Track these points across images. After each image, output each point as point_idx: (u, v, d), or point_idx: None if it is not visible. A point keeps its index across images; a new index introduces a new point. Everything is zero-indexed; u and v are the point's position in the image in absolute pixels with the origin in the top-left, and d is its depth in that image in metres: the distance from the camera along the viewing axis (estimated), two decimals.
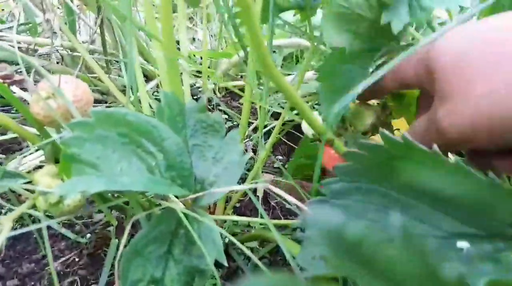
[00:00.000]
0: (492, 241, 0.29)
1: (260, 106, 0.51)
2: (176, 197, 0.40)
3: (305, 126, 0.69)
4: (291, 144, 0.76)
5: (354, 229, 0.12)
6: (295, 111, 0.78)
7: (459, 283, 0.13)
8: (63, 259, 0.51)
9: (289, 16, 0.78)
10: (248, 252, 0.35)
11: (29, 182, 0.41)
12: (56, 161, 0.44)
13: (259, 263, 0.35)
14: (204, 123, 0.42)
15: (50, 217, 0.52)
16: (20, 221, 0.55)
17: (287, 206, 0.63)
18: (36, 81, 0.45)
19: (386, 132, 0.31)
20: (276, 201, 0.63)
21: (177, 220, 0.38)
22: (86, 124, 0.36)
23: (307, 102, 0.80)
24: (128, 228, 0.38)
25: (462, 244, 0.26)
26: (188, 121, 0.42)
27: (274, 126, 0.77)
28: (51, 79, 0.41)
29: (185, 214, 0.36)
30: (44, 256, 0.51)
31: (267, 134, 0.73)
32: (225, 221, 0.55)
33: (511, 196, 0.27)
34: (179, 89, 0.46)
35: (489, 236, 0.29)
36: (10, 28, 0.84)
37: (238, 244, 0.36)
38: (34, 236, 0.53)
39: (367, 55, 0.38)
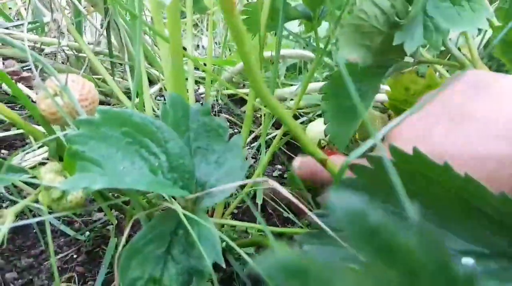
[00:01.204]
0: (498, 260, 0.28)
1: (264, 114, 0.52)
2: (174, 198, 0.40)
3: (310, 135, 0.69)
4: (291, 154, 0.77)
5: (373, 216, 0.13)
6: (300, 120, 0.79)
7: (469, 280, 0.13)
8: (62, 255, 0.51)
9: (293, 26, 0.79)
10: (245, 256, 0.35)
11: (33, 178, 0.41)
12: (60, 158, 0.45)
13: (256, 267, 0.35)
14: (208, 127, 0.42)
15: (50, 214, 0.53)
16: (20, 216, 0.55)
17: (285, 214, 0.63)
18: (42, 80, 0.46)
19: (396, 145, 0.31)
20: (273, 209, 0.63)
21: (177, 221, 0.38)
22: (91, 122, 0.37)
23: (309, 113, 0.80)
24: (128, 227, 0.39)
25: (467, 260, 0.26)
26: (192, 124, 0.42)
27: (274, 136, 0.77)
28: (59, 77, 0.42)
29: (185, 215, 0.36)
30: (43, 251, 0.52)
31: (267, 143, 0.73)
32: (223, 226, 0.56)
33: None
34: (184, 92, 0.46)
35: (495, 254, 0.29)
36: (17, 26, 0.85)
37: (235, 247, 0.36)
38: (34, 231, 0.54)
39: (378, 73, 0.38)
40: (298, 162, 0.46)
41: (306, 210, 0.35)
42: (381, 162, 0.30)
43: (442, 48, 0.35)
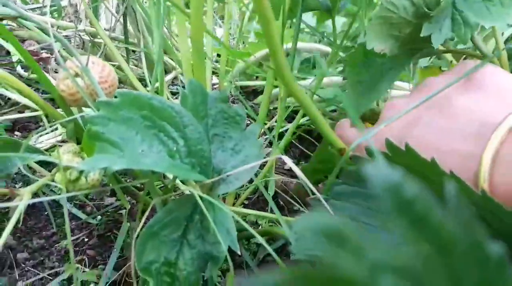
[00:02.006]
0: None
1: (280, 101, 0.51)
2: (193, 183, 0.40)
3: None
4: (302, 148, 0.77)
5: (409, 188, 0.13)
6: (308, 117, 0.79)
7: (502, 262, 0.13)
8: (73, 238, 0.51)
9: (309, 19, 0.79)
10: (262, 240, 0.35)
11: (48, 160, 0.41)
12: (77, 140, 0.45)
13: (273, 252, 0.35)
14: (226, 114, 0.42)
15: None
16: (34, 198, 0.55)
17: (295, 207, 0.63)
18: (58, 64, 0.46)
19: (391, 139, 0.31)
20: (285, 201, 0.63)
21: (193, 205, 0.38)
22: (111, 104, 0.37)
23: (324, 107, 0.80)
24: (146, 212, 0.39)
25: (497, 245, 0.27)
26: (210, 111, 0.42)
27: (286, 130, 0.77)
28: (80, 59, 0.42)
29: (202, 200, 0.36)
30: (54, 233, 0.52)
31: (280, 137, 0.73)
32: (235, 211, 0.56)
33: (501, 209, 0.27)
34: (203, 78, 0.46)
35: None
36: (33, 10, 0.85)
37: (253, 232, 0.36)
38: (46, 213, 0.54)
39: (407, 54, 0.38)
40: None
41: (318, 193, 0.35)
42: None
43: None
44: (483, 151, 0.30)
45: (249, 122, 0.77)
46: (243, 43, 0.95)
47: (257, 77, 0.92)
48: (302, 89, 0.34)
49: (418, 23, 0.34)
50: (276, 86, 0.85)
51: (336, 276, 0.12)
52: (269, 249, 0.34)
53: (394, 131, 0.35)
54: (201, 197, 0.36)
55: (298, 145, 0.76)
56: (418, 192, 0.13)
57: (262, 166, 0.67)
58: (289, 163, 0.37)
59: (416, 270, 0.13)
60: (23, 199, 0.38)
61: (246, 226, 0.35)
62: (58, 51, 0.61)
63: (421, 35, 0.33)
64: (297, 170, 0.36)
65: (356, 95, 0.42)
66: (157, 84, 0.51)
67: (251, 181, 0.65)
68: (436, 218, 0.13)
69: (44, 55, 0.47)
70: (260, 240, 0.34)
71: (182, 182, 0.44)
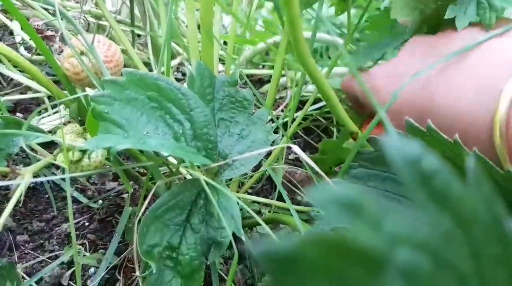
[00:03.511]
0: None
1: (292, 83, 0.50)
2: (198, 167, 0.39)
3: None
4: (308, 139, 0.76)
5: (430, 161, 0.12)
6: (315, 106, 0.78)
7: None
8: (74, 221, 0.50)
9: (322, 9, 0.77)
10: (267, 228, 0.34)
11: (48, 141, 0.40)
12: (80, 120, 0.44)
13: (277, 240, 0.34)
14: (233, 98, 0.41)
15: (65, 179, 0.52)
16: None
17: (299, 198, 0.62)
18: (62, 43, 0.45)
19: (411, 120, 0.31)
20: (289, 190, 0.62)
21: (198, 190, 0.38)
22: (117, 83, 0.36)
23: None
24: (149, 195, 0.38)
25: None
26: (217, 94, 0.41)
27: (293, 120, 0.76)
28: (85, 36, 0.41)
29: (207, 184, 0.35)
30: (54, 216, 0.51)
31: (285, 127, 0.72)
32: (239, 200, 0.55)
33: None
34: (211, 61, 0.45)
35: None
36: None
37: (257, 218, 0.35)
38: (46, 195, 0.53)
39: (427, 31, 0.37)
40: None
41: (326, 177, 0.34)
42: None
43: None
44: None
45: (255, 110, 0.76)
46: (251, 32, 0.94)
47: (263, 66, 0.91)
48: (321, 73, 0.33)
49: (444, 1, 0.33)
50: (283, 75, 0.83)
51: (352, 247, 0.12)
52: (273, 236, 0.33)
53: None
54: (206, 182, 0.35)
55: (303, 135, 0.75)
56: (439, 165, 0.13)
57: (268, 153, 0.66)
58: (299, 152, 0.36)
59: (435, 244, 0.13)
60: (24, 178, 0.37)
61: (251, 212, 0.34)
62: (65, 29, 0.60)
63: (446, 17, 0.33)
64: (308, 159, 0.35)
65: (364, 56, 0.41)
66: (163, 68, 0.50)
67: (255, 169, 0.64)
68: (457, 192, 0.13)
69: (49, 33, 0.45)
70: (265, 227, 0.33)
71: (186, 166, 0.43)
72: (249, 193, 0.63)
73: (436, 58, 0.32)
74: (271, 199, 0.63)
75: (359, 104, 0.46)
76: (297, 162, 0.69)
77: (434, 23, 0.35)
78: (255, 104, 0.81)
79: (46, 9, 0.69)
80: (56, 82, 0.45)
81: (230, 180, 0.55)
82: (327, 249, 0.12)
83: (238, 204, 0.36)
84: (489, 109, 0.30)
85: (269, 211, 0.58)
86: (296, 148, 0.35)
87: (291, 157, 0.70)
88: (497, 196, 0.13)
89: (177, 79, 0.85)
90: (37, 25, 0.44)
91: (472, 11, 0.32)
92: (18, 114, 0.65)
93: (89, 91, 0.47)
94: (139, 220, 0.35)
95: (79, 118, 0.44)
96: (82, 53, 0.42)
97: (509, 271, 0.13)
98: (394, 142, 0.13)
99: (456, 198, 0.13)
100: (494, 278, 0.13)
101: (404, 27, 0.39)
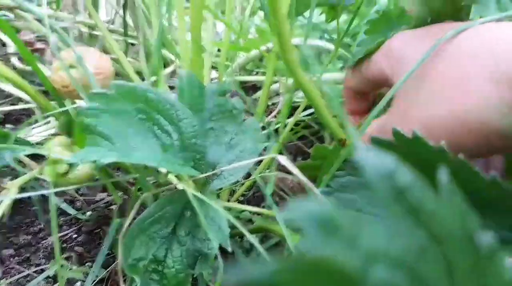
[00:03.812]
0: None
1: (284, 89, 0.50)
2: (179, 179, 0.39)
3: None
4: (300, 144, 0.76)
5: (403, 176, 0.12)
6: (307, 112, 0.78)
7: (492, 252, 0.13)
8: (61, 234, 0.50)
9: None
10: (253, 240, 0.34)
11: (38, 152, 0.40)
12: (68, 132, 0.44)
13: (264, 252, 0.34)
14: (223, 107, 0.41)
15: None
16: (22, 192, 0.54)
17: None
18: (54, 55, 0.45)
19: (398, 128, 0.31)
20: (280, 197, 0.62)
21: (184, 201, 0.37)
22: (105, 96, 0.36)
23: None
24: (135, 208, 0.38)
25: (488, 235, 0.27)
26: (207, 104, 0.41)
27: (285, 126, 0.76)
28: (75, 49, 0.41)
29: (193, 196, 0.35)
30: (41, 229, 0.51)
31: (277, 133, 0.72)
32: (229, 209, 0.54)
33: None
34: (201, 71, 0.45)
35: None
36: (31, 1, 0.84)
37: (244, 231, 0.35)
38: (34, 208, 0.53)
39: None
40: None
41: (313, 186, 0.34)
42: (384, 144, 0.31)
43: None
44: None
45: (247, 117, 0.77)
46: (244, 39, 0.94)
47: (257, 72, 0.91)
48: (309, 80, 0.33)
49: None
50: (275, 82, 0.83)
51: (327, 266, 0.12)
52: (260, 249, 0.33)
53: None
54: (193, 193, 0.35)
55: (295, 141, 0.75)
56: (412, 180, 0.13)
57: (260, 160, 0.66)
58: (286, 162, 0.36)
59: (410, 259, 0.13)
60: (10, 193, 0.37)
61: (236, 224, 0.34)
62: (55, 43, 0.60)
63: (470, 17, 0.34)
64: (294, 169, 0.35)
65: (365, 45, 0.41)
66: (155, 77, 0.50)
67: (246, 177, 0.64)
68: (430, 206, 0.13)
69: (40, 45, 0.46)
70: (251, 239, 0.33)
71: (176, 176, 0.43)
72: (240, 201, 0.63)
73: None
74: (262, 206, 0.63)
75: (361, 97, 0.45)
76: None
77: (438, 19, 0.36)
78: (247, 111, 0.81)
79: (39, 21, 0.69)
80: (47, 92, 0.45)
81: (221, 188, 0.55)
82: (302, 274, 0.12)
83: (224, 216, 0.36)
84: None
85: (261, 217, 0.58)
86: (282, 159, 0.35)
87: (282, 162, 0.70)
88: (470, 208, 0.13)
89: (171, 87, 0.85)
90: (28, 38, 0.44)
91: (494, 9, 0.33)
92: (8, 125, 0.65)
93: (78, 103, 0.47)
94: (126, 232, 0.35)
95: (68, 130, 0.43)
96: (71, 66, 0.42)
97: (480, 284, 0.13)
98: (368, 157, 0.13)
99: (429, 213, 0.13)
100: None
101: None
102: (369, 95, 0.45)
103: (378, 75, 0.38)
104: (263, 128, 0.64)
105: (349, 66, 0.44)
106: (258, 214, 0.61)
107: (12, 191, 0.37)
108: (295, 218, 0.13)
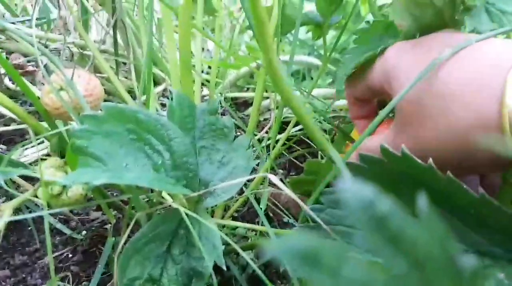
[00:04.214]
0: (480, 258, 0.29)
1: (275, 104, 0.51)
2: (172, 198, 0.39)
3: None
4: (293, 159, 0.76)
5: (382, 205, 0.13)
6: (298, 127, 0.79)
7: (475, 275, 0.13)
8: (57, 254, 0.50)
9: (300, 33, 0.79)
10: (246, 257, 0.34)
11: (32, 173, 0.41)
12: (61, 154, 0.44)
13: (257, 270, 0.34)
14: (214, 126, 0.42)
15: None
16: (16, 213, 0.54)
17: (285, 219, 0.62)
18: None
19: (386, 146, 0.31)
20: (274, 213, 0.63)
21: (178, 220, 0.38)
22: (96, 118, 0.36)
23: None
24: (129, 227, 0.38)
25: (469, 257, 0.27)
26: (197, 123, 0.42)
27: (277, 141, 0.77)
28: (65, 72, 0.41)
29: (187, 215, 0.35)
30: (37, 249, 0.51)
31: (269, 148, 0.73)
32: (224, 226, 0.55)
33: (501, 211, 0.27)
34: (191, 91, 0.46)
35: (477, 253, 0.30)
36: (23, 22, 0.85)
37: (237, 248, 0.35)
38: (29, 228, 0.53)
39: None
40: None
41: (303, 205, 0.35)
42: (374, 161, 0.32)
43: None
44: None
45: (239, 133, 0.77)
46: (234, 57, 0.95)
47: (248, 89, 0.92)
48: (297, 97, 0.34)
49: (441, 9, 0.34)
50: (266, 98, 0.85)
51: None
52: (254, 266, 0.33)
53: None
54: (186, 212, 0.35)
55: (287, 155, 0.76)
56: (391, 208, 0.13)
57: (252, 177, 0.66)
58: (276, 181, 0.37)
59: None
60: (4, 215, 0.37)
61: (230, 241, 0.34)
62: (45, 64, 0.60)
63: (467, 30, 0.34)
64: (284, 187, 0.36)
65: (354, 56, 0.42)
66: (146, 96, 0.50)
67: (240, 193, 0.65)
68: (411, 234, 0.13)
69: (30, 68, 0.46)
70: (244, 256, 0.33)
71: (170, 195, 0.43)
72: (235, 217, 0.64)
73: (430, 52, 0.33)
74: (257, 222, 0.63)
75: (363, 103, 0.46)
76: (282, 182, 0.70)
77: (427, 29, 0.36)
78: (239, 127, 0.81)
79: (30, 42, 0.69)
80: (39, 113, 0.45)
81: (215, 205, 0.55)
82: None
83: (218, 233, 0.36)
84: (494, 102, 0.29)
85: (255, 234, 0.58)
86: (273, 178, 0.35)
87: (278, 176, 0.71)
88: (449, 233, 0.13)
89: (162, 105, 0.86)
90: (19, 62, 0.44)
91: (486, 19, 0.34)
92: (2, 146, 0.65)
93: (70, 125, 0.47)
94: (122, 251, 0.35)
95: (60, 151, 0.44)
96: (62, 88, 0.42)
97: None
98: (348, 187, 0.13)
99: (410, 239, 0.13)
100: None
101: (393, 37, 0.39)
102: (372, 100, 0.46)
103: (376, 84, 0.38)
104: (253, 145, 0.65)
105: (347, 75, 0.44)
106: (253, 230, 0.61)
107: (6, 212, 0.37)
108: (280, 254, 0.13)
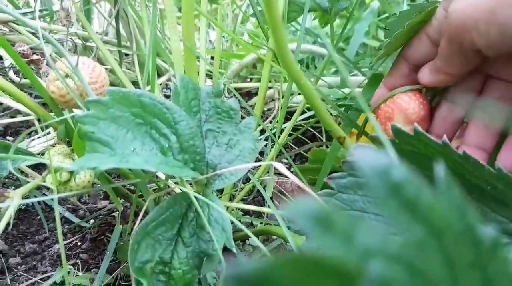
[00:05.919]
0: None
1: (279, 94, 0.51)
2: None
3: None
4: (297, 148, 0.76)
5: (399, 172, 0.12)
6: (304, 116, 0.79)
7: (495, 244, 0.13)
8: (66, 242, 0.50)
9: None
10: (258, 243, 0.34)
11: (38, 163, 0.41)
12: (68, 141, 0.44)
13: (268, 253, 0.34)
14: (219, 109, 0.42)
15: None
16: (25, 203, 0.54)
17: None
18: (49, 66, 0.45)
19: (398, 125, 0.31)
20: (279, 200, 0.63)
21: (187, 203, 0.38)
22: (101, 103, 0.36)
23: None
24: (141, 213, 0.38)
25: (488, 229, 0.27)
26: (203, 106, 0.41)
27: (282, 130, 0.76)
28: (70, 59, 0.41)
29: (196, 198, 0.35)
30: (47, 238, 0.51)
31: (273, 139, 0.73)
32: (231, 211, 0.55)
33: None
34: (195, 75, 0.46)
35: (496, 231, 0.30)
36: (25, 14, 0.85)
37: (247, 230, 0.35)
38: (38, 217, 0.53)
39: None
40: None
41: (310, 191, 0.35)
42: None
43: None
44: None
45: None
46: (237, 45, 0.95)
47: (251, 79, 0.92)
48: (308, 81, 0.34)
49: None
50: (270, 88, 0.84)
51: (324, 263, 0.12)
52: (264, 249, 0.33)
53: None
54: (195, 195, 0.35)
55: (292, 145, 0.76)
56: (407, 176, 0.13)
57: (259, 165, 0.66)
58: (282, 169, 0.37)
59: (408, 254, 0.13)
60: (13, 201, 0.37)
61: (239, 224, 0.34)
62: (50, 54, 0.60)
63: None
64: (290, 175, 0.36)
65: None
66: (150, 86, 0.50)
67: (246, 181, 0.65)
68: (427, 201, 0.13)
69: (35, 57, 0.46)
70: (255, 240, 0.33)
71: (176, 182, 0.44)
72: None
73: None
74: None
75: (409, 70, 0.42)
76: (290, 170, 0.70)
77: None
78: (243, 118, 0.81)
79: (33, 33, 0.69)
80: (45, 104, 0.45)
81: (222, 192, 0.55)
82: (297, 268, 0.12)
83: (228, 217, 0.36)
84: None
85: (261, 223, 0.58)
86: (279, 165, 0.35)
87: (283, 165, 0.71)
88: (468, 202, 0.13)
89: (166, 96, 0.86)
90: (23, 50, 0.44)
91: None
92: (9, 137, 0.66)
93: (76, 112, 0.47)
94: (131, 236, 0.35)
95: (67, 139, 0.44)
96: (67, 75, 0.42)
97: (482, 276, 0.13)
98: (364, 154, 0.13)
99: (427, 207, 0.13)
100: (467, 284, 0.13)
101: None
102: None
103: (436, 28, 0.37)
104: (262, 132, 0.65)
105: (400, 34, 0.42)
106: (259, 216, 0.61)
107: (15, 198, 0.37)
108: (293, 215, 0.13)
